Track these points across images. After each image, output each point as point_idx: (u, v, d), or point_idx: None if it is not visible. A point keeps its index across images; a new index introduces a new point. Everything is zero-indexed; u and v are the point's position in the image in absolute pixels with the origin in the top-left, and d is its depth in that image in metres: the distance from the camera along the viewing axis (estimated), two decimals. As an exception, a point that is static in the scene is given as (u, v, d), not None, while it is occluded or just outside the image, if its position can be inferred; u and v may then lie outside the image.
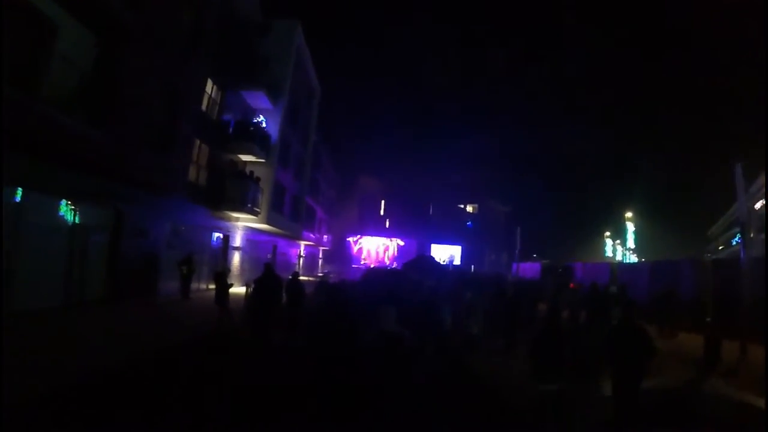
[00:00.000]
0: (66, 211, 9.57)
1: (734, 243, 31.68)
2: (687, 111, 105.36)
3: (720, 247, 39.12)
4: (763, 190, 24.25)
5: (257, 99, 18.65)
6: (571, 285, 17.22)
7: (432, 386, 5.63)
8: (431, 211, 56.67)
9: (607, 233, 62.58)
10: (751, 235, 22.79)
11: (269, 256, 24.07)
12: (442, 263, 28.34)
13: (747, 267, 9.82)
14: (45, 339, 6.91)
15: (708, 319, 9.09)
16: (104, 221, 10.83)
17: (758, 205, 25.29)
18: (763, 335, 8.09)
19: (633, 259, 51.94)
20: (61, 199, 9.41)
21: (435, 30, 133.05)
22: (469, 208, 60.92)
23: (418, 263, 22.64)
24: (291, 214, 24.75)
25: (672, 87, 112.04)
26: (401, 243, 53.12)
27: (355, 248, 54.23)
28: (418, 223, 53.73)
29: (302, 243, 32.53)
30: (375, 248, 53.51)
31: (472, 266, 46.96)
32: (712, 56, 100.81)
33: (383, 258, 49.76)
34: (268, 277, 8.76)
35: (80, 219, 9.89)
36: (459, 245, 53.72)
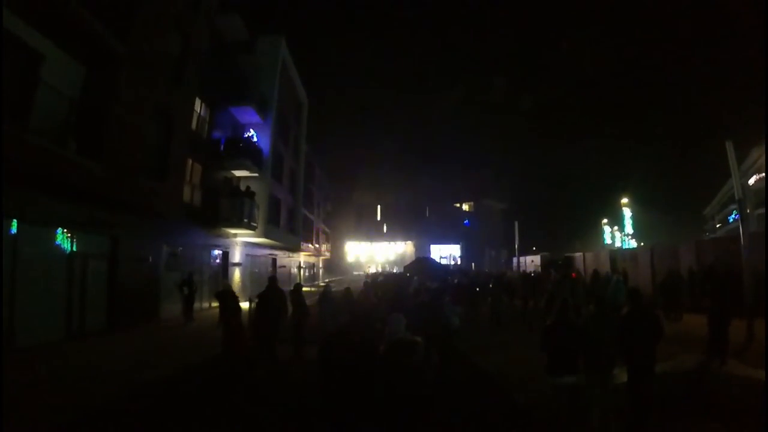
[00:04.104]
0: (62, 240, 9.47)
1: (731, 220, 31.84)
2: (675, 92, 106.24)
3: (717, 225, 39.29)
4: (756, 165, 24.45)
5: (246, 114, 18.68)
6: (573, 275, 17.18)
7: (443, 389, 5.59)
8: (428, 212, 56.68)
9: (605, 220, 62.73)
10: (748, 210, 22.94)
11: (270, 269, 23.97)
12: (444, 264, 28.32)
13: (747, 243, 9.82)
14: (52, 375, 6.77)
15: (710, 300, 9.02)
16: (101, 249, 10.73)
17: (752, 181, 25.48)
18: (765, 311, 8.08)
19: (632, 244, 52.08)
20: (56, 229, 9.32)
21: (430, 33, 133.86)
22: (466, 207, 60.92)
23: (419, 265, 22.65)
24: (288, 226, 24.71)
25: (660, 69, 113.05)
26: (400, 246, 53.15)
27: (355, 255, 54.21)
28: (415, 225, 53.73)
29: (301, 254, 32.46)
30: (374, 254, 53.49)
31: (473, 264, 46.96)
32: (701, 37, 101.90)
33: (383, 262, 49.69)
34: (272, 290, 8.65)
35: (77, 248, 9.80)
36: (458, 244, 53.76)
